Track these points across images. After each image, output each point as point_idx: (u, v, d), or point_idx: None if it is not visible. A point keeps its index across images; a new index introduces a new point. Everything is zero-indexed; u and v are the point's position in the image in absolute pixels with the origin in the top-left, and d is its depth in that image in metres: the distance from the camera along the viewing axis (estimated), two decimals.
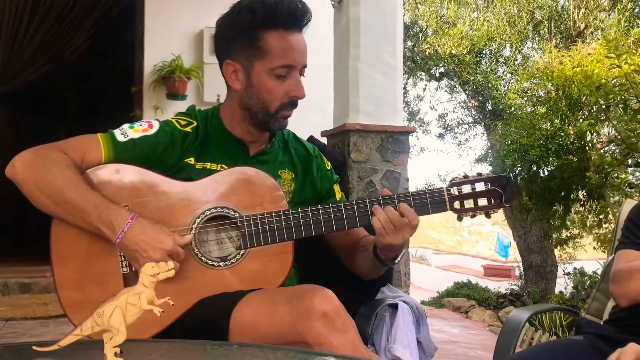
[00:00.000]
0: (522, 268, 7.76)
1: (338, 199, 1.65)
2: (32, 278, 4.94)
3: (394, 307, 1.80)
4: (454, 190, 1.43)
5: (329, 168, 1.67)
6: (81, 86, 8.93)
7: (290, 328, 1.24)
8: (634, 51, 4.52)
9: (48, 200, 1.36)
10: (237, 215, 1.41)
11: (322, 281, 1.42)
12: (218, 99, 5.18)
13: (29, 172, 1.37)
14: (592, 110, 5.15)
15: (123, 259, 1.39)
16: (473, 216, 1.48)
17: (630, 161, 3.80)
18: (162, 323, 1.34)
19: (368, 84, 3.63)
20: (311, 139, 3.76)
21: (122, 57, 5.98)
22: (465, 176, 1.48)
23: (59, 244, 1.41)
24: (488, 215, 1.49)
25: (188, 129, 1.49)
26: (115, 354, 0.89)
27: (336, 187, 1.67)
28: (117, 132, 1.45)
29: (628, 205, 2.02)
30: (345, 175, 3.61)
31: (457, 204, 1.44)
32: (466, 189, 1.44)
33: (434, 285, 9.50)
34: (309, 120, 4.34)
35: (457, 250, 18.24)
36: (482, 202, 1.45)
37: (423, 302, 7.64)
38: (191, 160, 1.48)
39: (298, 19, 1.46)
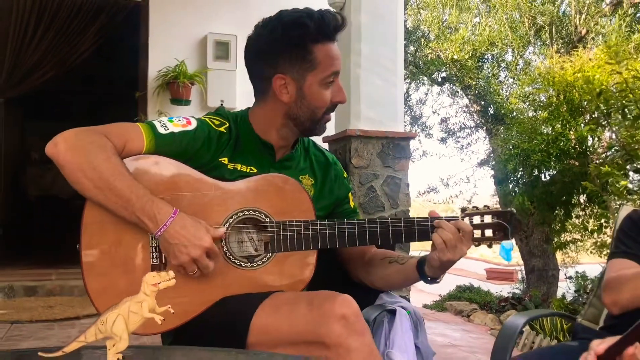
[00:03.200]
0: (524, 272, 7.78)
1: (352, 206, 1.71)
2: (37, 281, 4.99)
3: (393, 312, 1.83)
4: (466, 220, 1.50)
5: (345, 176, 1.73)
6: (86, 89, 9.00)
7: (310, 328, 1.28)
8: (635, 57, 4.54)
9: (90, 184, 1.36)
10: (268, 219, 1.45)
11: (322, 287, 1.45)
12: (222, 104, 5.23)
13: (73, 153, 1.37)
14: (593, 116, 5.16)
15: (154, 250, 1.41)
16: (478, 245, 1.54)
17: (629, 167, 3.82)
18: (185, 316, 1.38)
19: (369, 90, 3.68)
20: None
21: (127, 61, 6.04)
22: (475, 207, 1.55)
23: (89, 230, 1.41)
24: (490, 246, 1.56)
25: (222, 129, 1.53)
26: None
27: (350, 195, 1.72)
28: (158, 124, 1.47)
29: (624, 211, 2.05)
30: None
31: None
32: (476, 219, 1.51)
33: (437, 288, 9.49)
34: None
35: None
36: (489, 233, 1.53)
37: (425, 306, 7.66)
38: (225, 160, 1.51)
39: (339, 30, 1.52)
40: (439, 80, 8.30)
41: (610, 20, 6.52)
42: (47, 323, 4.09)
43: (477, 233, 1.51)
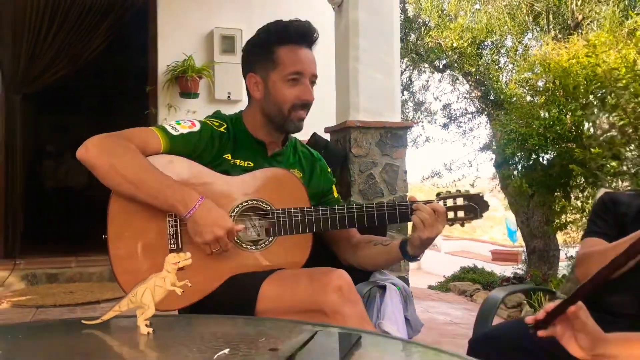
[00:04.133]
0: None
1: (335, 196, 1.93)
2: (58, 269, 5.20)
3: (384, 288, 2.06)
4: (441, 203, 1.70)
5: (329, 170, 1.95)
6: (97, 84, 9.12)
7: (310, 299, 1.47)
8: (628, 42, 4.68)
9: (124, 180, 1.54)
10: (269, 208, 1.65)
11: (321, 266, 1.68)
12: (229, 96, 5.42)
13: (104, 155, 1.55)
14: (587, 101, 5.29)
15: (171, 237, 1.62)
16: (452, 224, 1.75)
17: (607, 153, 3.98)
18: (200, 294, 1.59)
19: (367, 83, 3.83)
20: (315, 135, 4.00)
21: (137, 56, 6.20)
22: (448, 191, 1.77)
23: (115, 221, 1.61)
24: (462, 225, 1.76)
25: (222, 129, 1.74)
26: (146, 325, 1.14)
27: (334, 187, 1.95)
28: (169, 127, 1.66)
29: (600, 194, 2.24)
30: (346, 169, 3.83)
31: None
32: (450, 202, 1.71)
33: (443, 270, 9.70)
34: (314, 117, 4.58)
35: (471, 235, 18.33)
36: (461, 214, 1.73)
37: (430, 287, 7.86)
38: (228, 156, 1.72)
39: (306, 35, 1.74)
40: (440, 67, 8.42)
41: (605, 7, 6.61)
42: (69, 307, 4.31)
43: (451, 214, 1.71)
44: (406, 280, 3.76)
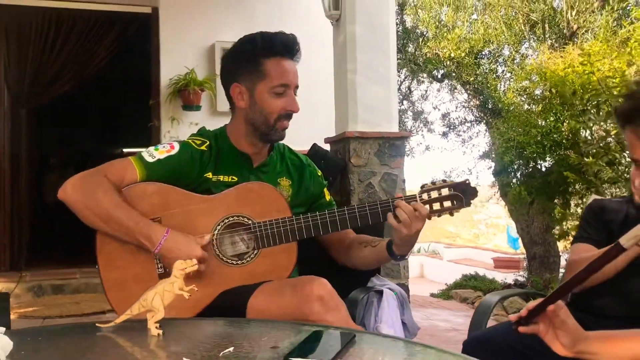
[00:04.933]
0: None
1: (328, 199, 1.97)
2: (64, 280, 5.25)
3: (381, 293, 2.14)
4: (425, 196, 1.72)
5: (319, 174, 1.99)
6: (100, 96, 9.19)
7: (295, 309, 1.50)
8: (620, 52, 4.77)
9: (97, 218, 1.63)
10: (250, 222, 1.70)
11: (319, 274, 1.69)
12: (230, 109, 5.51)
13: (79, 195, 1.64)
14: (585, 109, 5.37)
15: (158, 262, 1.68)
16: (439, 215, 1.76)
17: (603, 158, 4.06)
18: (193, 310, 1.63)
19: (365, 94, 3.90)
20: (315, 145, 4.09)
21: (140, 69, 6.30)
22: (433, 183, 1.75)
23: (103, 253, 1.69)
24: (452, 214, 1.77)
25: (203, 147, 1.78)
26: (156, 327, 1.22)
27: (325, 190, 1.98)
28: (146, 154, 1.72)
29: (590, 200, 2.31)
30: (346, 179, 3.90)
31: (427, 207, 1.70)
32: (434, 194, 1.72)
33: (445, 278, 9.72)
34: (314, 129, 4.68)
35: (474, 243, 18.32)
36: (447, 204, 1.73)
37: (432, 295, 7.90)
38: (209, 175, 1.76)
39: (290, 48, 1.79)
40: (439, 77, 8.51)
41: (599, 16, 6.71)
42: (76, 317, 4.37)
43: (437, 205, 1.71)
44: (406, 287, 3.84)
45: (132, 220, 1.61)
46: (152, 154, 1.73)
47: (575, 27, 6.94)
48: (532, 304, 1.31)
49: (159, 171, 1.71)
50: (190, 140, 1.81)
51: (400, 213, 1.65)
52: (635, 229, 1.19)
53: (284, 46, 1.78)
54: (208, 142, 1.80)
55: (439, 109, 9.51)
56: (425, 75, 8.60)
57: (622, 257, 1.72)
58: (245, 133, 1.82)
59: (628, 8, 6.64)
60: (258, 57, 1.76)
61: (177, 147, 1.76)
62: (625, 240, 1.21)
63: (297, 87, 1.81)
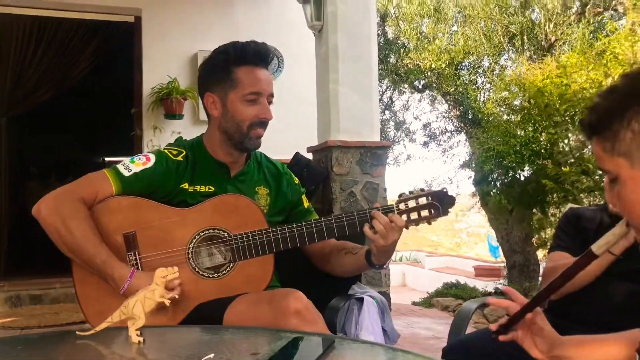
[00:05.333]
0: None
1: (306, 206, 1.96)
2: (42, 290, 5.16)
3: (361, 300, 2.16)
4: (402, 206, 1.70)
5: (297, 182, 1.98)
6: (82, 104, 9.12)
7: (271, 323, 1.48)
8: (595, 64, 4.87)
9: (65, 247, 1.63)
10: (226, 234, 1.68)
11: (300, 282, 1.72)
12: None
13: (52, 219, 1.63)
14: (563, 119, 5.47)
15: None
16: (417, 224, 1.75)
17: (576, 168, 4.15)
18: (170, 324, 1.61)
19: (347, 104, 3.93)
20: (297, 154, 4.11)
21: (123, 77, 6.27)
22: (411, 192, 1.75)
23: (79, 270, 1.68)
24: (429, 223, 1.77)
25: (180, 157, 1.78)
26: (137, 335, 1.22)
27: (304, 197, 1.98)
28: (121, 167, 1.71)
29: (566, 209, 2.36)
30: (328, 187, 3.92)
31: (404, 217, 1.70)
32: (412, 203, 1.71)
33: (427, 286, 9.77)
34: (297, 138, 4.70)
35: (456, 252, 18.43)
36: (425, 213, 1.72)
37: (414, 303, 7.93)
38: (186, 185, 1.75)
39: (263, 56, 1.80)
40: (420, 87, 8.61)
41: (576, 29, 6.86)
42: (55, 328, 4.30)
43: (414, 215, 1.69)
44: (387, 296, 3.86)
45: (99, 258, 1.60)
46: (128, 166, 1.72)
47: (553, 39, 7.08)
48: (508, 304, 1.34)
49: (135, 184, 1.71)
50: (166, 151, 1.80)
51: (376, 224, 1.65)
52: (606, 236, 1.22)
53: (255, 55, 1.78)
54: (184, 152, 1.80)
55: (420, 119, 9.64)
56: (406, 85, 8.69)
57: (597, 263, 1.77)
58: (221, 142, 1.82)
59: (604, 21, 6.79)
60: (230, 66, 1.77)
61: (152, 159, 1.75)
62: (596, 247, 1.24)
63: (271, 95, 1.81)
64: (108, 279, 1.60)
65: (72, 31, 5.85)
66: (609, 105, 1.00)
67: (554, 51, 7.02)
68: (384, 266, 1.79)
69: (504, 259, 8.32)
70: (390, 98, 9.36)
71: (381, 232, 1.64)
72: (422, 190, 1.75)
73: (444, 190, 1.76)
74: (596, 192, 4.41)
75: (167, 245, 1.65)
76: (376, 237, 1.65)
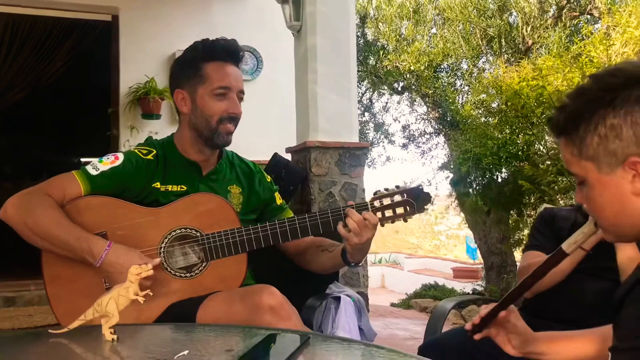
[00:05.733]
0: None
1: (279, 203, 1.96)
2: (16, 292, 5.11)
3: (339, 299, 2.16)
4: (377, 203, 1.70)
5: (269, 180, 1.98)
6: (57, 104, 9.00)
7: (245, 320, 1.48)
8: (571, 67, 4.95)
9: (37, 237, 1.60)
10: (198, 234, 1.68)
11: (278, 281, 1.70)
12: None
13: (19, 215, 1.61)
14: (539, 121, 5.54)
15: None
16: (392, 222, 1.75)
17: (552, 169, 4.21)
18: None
19: (326, 105, 3.92)
20: (276, 155, 4.11)
21: (99, 77, 6.21)
22: (386, 189, 1.74)
23: (49, 268, 1.66)
24: (405, 220, 1.78)
25: (150, 156, 1.77)
26: (111, 333, 1.21)
27: (277, 195, 1.97)
28: (90, 167, 1.71)
29: (541, 209, 2.39)
30: (307, 188, 3.92)
31: (379, 214, 1.70)
32: (387, 201, 1.71)
33: (406, 288, 9.82)
34: (275, 138, 4.70)
35: (435, 254, 18.53)
36: (400, 210, 1.72)
37: (392, 304, 7.98)
38: (157, 185, 1.74)
39: (232, 53, 1.80)
40: (399, 89, 8.66)
41: (552, 32, 6.96)
42: (29, 330, 4.26)
43: (389, 212, 1.70)
44: (365, 296, 3.87)
45: (73, 236, 1.59)
46: (96, 166, 1.71)
47: (530, 42, 7.18)
48: (484, 310, 1.36)
49: (104, 184, 1.69)
50: (136, 150, 1.80)
51: (349, 222, 1.64)
52: (576, 235, 1.25)
53: (224, 51, 1.79)
54: (155, 152, 1.79)
55: (399, 121, 9.68)
56: (385, 87, 8.73)
57: (568, 260, 1.80)
58: (191, 140, 1.81)
59: (579, 25, 6.91)
60: (199, 62, 1.77)
61: (121, 157, 1.74)
62: (567, 245, 1.26)
63: (241, 92, 1.81)
64: (85, 254, 1.58)
65: (47, 29, 5.78)
66: (576, 108, 1.01)
67: (531, 54, 7.12)
68: (360, 264, 1.79)
69: (481, 261, 8.39)
70: (370, 100, 9.40)
71: (355, 230, 1.64)
72: (397, 187, 1.74)
73: (420, 187, 1.77)
74: (571, 193, 4.46)
75: (138, 244, 1.64)
76: (350, 235, 1.65)
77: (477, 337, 1.37)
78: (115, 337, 1.20)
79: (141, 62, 5.55)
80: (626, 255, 1.72)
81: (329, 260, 1.82)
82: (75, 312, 1.49)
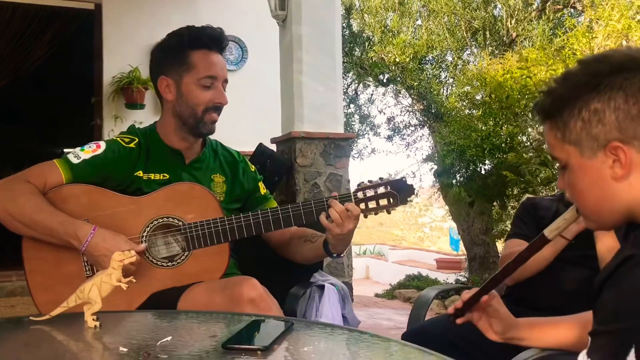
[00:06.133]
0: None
1: (263, 193, 1.95)
2: None
3: (323, 288, 2.17)
4: (360, 194, 1.70)
5: (253, 170, 1.97)
6: (39, 93, 8.89)
7: (226, 310, 1.47)
8: (555, 59, 4.99)
9: (20, 224, 1.59)
10: (180, 223, 1.67)
11: (261, 270, 1.73)
12: None
13: (1, 202, 1.60)
14: (522, 113, 5.58)
15: (86, 263, 1.65)
16: (376, 213, 1.75)
17: (535, 160, 4.25)
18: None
19: (311, 95, 3.92)
20: (261, 145, 4.10)
21: (82, 66, 6.14)
22: (370, 181, 1.75)
23: (30, 257, 1.65)
24: (389, 212, 1.79)
25: (132, 145, 1.76)
26: (93, 320, 1.20)
27: (260, 185, 1.96)
28: (71, 156, 1.69)
29: (524, 198, 2.42)
30: (292, 179, 3.92)
31: (362, 205, 1.71)
32: (370, 192, 1.71)
33: (390, 279, 9.87)
34: (260, 128, 4.69)
35: (419, 246, 18.65)
36: (383, 202, 1.72)
37: (377, 295, 8.02)
38: (140, 173, 1.73)
39: (218, 41, 1.79)
40: (384, 81, 8.66)
41: (536, 25, 7.00)
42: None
43: (373, 204, 1.71)
44: (349, 286, 3.89)
45: (56, 221, 1.58)
46: (78, 154, 1.70)
47: (514, 35, 7.21)
48: (466, 294, 1.37)
49: (85, 172, 1.68)
50: (118, 139, 1.78)
51: (332, 212, 1.64)
52: (557, 221, 1.26)
53: (210, 39, 1.77)
54: (137, 140, 1.78)
55: (384, 113, 9.69)
56: (371, 79, 8.73)
57: (550, 249, 1.83)
58: (175, 127, 1.80)
59: (563, 18, 6.95)
60: (185, 50, 1.75)
61: (103, 146, 1.73)
62: (548, 231, 1.28)
63: (225, 81, 1.81)
64: (70, 238, 1.57)
65: (28, 18, 5.69)
66: (562, 92, 1.02)
67: (515, 47, 7.15)
68: (342, 254, 1.79)
69: (465, 252, 8.46)
70: (355, 91, 9.40)
71: (337, 220, 1.64)
72: (381, 179, 1.75)
73: (403, 179, 1.78)
74: (554, 184, 4.51)
75: (120, 233, 1.63)
76: (332, 225, 1.65)
77: (459, 321, 1.39)
78: (97, 323, 1.19)
79: (125, 52, 5.49)
80: (605, 245, 1.74)
81: (311, 250, 1.83)
82: (56, 300, 1.47)
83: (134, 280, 1.27)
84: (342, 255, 1.80)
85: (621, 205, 0.99)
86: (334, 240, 1.70)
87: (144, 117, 5.33)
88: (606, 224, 1.07)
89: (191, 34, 1.77)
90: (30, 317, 1.25)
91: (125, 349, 1.01)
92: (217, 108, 1.79)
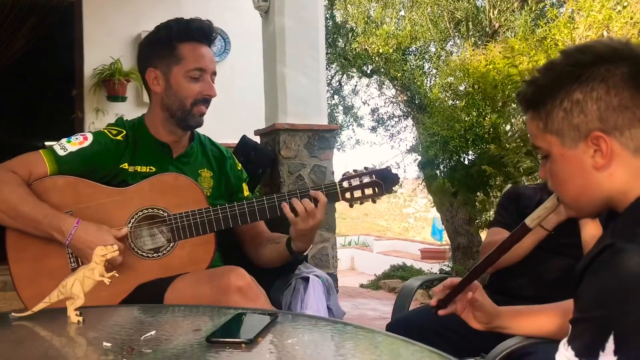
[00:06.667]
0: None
1: (245, 195, 1.94)
2: None
3: (307, 279, 2.17)
4: (345, 184, 1.71)
5: (239, 168, 1.97)
6: (19, 86, 8.76)
7: (213, 301, 1.47)
8: (537, 50, 5.02)
9: (4, 215, 1.58)
10: (166, 214, 1.66)
11: (246, 263, 1.72)
12: None
13: None
14: (504, 103, 5.61)
15: (71, 256, 1.64)
16: (361, 203, 1.77)
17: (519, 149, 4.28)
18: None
19: (294, 87, 3.90)
20: (244, 137, 4.08)
21: (62, 58, 6.06)
22: (355, 171, 1.75)
23: (13, 249, 1.64)
24: (374, 201, 1.81)
25: (119, 137, 1.75)
26: (76, 315, 1.20)
27: (244, 185, 1.96)
28: (57, 147, 1.68)
29: (507, 187, 2.44)
30: (276, 171, 3.91)
31: (347, 195, 1.72)
32: (355, 181, 1.72)
33: (375, 269, 9.93)
34: (243, 121, 4.66)
35: (404, 236, 18.76)
36: (369, 191, 1.73)
37: (362, 285, 8.07)
38: (125, 165, 1.72)
39: (207, 34, 1.79)
40: (368, 72, 8.66)
41: (518, 16, 7.03)
42: None
43: (358, 193, 1.71)
44: (334, 277, 3.90)
45: (41, 214, 1.58)
46: (64, 146, 1.69)
47: (497, 25, 7.25)
48: (447, 282, 1.39)
49: (71, 164, 1.67)
50: (105, 130, 1.77)
51: (297, 204, 1.64)
52: (538, 210, 1.27)
53: (199, 32, 1.77)
54: (124, 132, 1.77)
55: (368, 104, 9.70)
56: (354, 70, 8.72)
57: (529, 238, 1.84)
58: (163, 120, 1.79)
59: (545, 9, 6.99)
60: (173, 42, 1.75)
61: (90, 138, 1.72)
62: (530, 220, 1.29)
63: (214, 73, 1.80)
64: (54, 231, 1.57)
65: (5, 9, 5.59)
66: (544, 82, 1.03)
67: (497, 37, 7.19)
68: (304, 254, 1.79)
69: (448, 242, 8.52)
70: (339, 82, 9.39)
71: (302, 214, 1.64)
72: (366, 168, 1.76)
73: (388, 168, 1.79)
74: (536, 174, 4.55)
75: (105, 224, 1.62)
76: (297, 219, 1.65)
77: (441, 312, 1.40)
78: (81, 319, 1.19)
79: (106, 43, 5.43)
80: (589, 233, 1.76)
81: (274, 251, 1.82)
82: (40, 294, 1.46)
83: (117, 275, 1.26)
84: (305, 253, 1.79)
85: (602, 194, 1.00)
86: (297, 236, 1.69)
87: (126, 110, 5.27)
88: (586, 212, 1.08)
89: (180, 26, 1.76)
90: (12, 314, 1.24)
91: (109, 344, 1.00)
92: (206, 100, 1.78)
